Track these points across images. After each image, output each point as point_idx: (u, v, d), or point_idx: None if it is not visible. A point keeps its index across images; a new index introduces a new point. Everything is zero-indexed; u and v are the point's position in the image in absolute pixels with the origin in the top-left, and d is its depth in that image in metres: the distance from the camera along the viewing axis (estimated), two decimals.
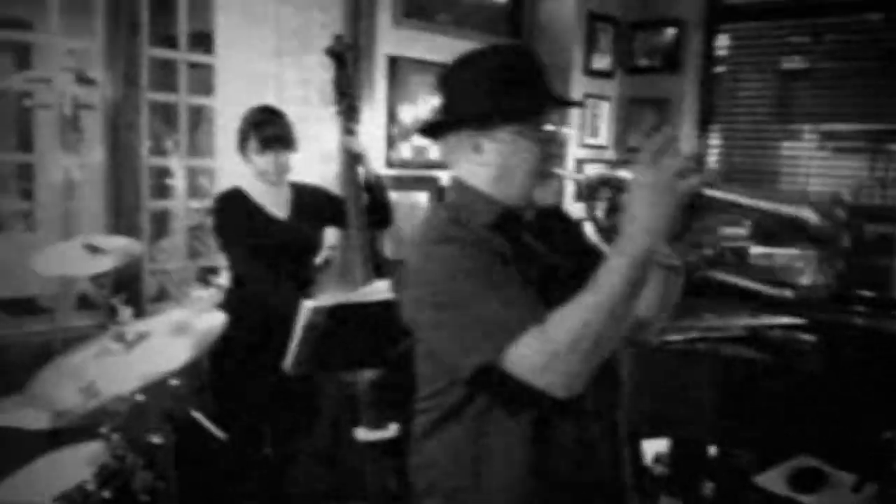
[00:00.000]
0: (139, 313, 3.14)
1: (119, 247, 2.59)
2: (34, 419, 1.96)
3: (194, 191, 3.73)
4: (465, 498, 1.42)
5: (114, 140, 3.21)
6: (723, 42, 4.73)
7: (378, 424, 2.53)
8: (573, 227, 1.56)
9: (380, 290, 2.36)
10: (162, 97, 3.54)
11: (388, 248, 3.27)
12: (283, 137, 2.73)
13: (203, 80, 3.75)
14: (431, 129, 1.53)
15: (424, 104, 4.20)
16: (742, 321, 3.27)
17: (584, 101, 4.72)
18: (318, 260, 2.92)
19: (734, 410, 2.91)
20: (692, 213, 1.24)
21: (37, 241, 3.22)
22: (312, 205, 2.82)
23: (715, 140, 4.79)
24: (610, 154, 4.99)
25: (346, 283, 2.66)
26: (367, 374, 2.58)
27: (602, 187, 1.43)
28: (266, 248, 2.66)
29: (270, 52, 3.83)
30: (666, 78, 4.80)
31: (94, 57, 3.26)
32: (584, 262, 1.36)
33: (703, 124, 4.81)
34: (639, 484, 1.61)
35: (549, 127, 1.44)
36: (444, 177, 4.30)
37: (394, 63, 4.08)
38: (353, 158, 2.74)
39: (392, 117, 4.10)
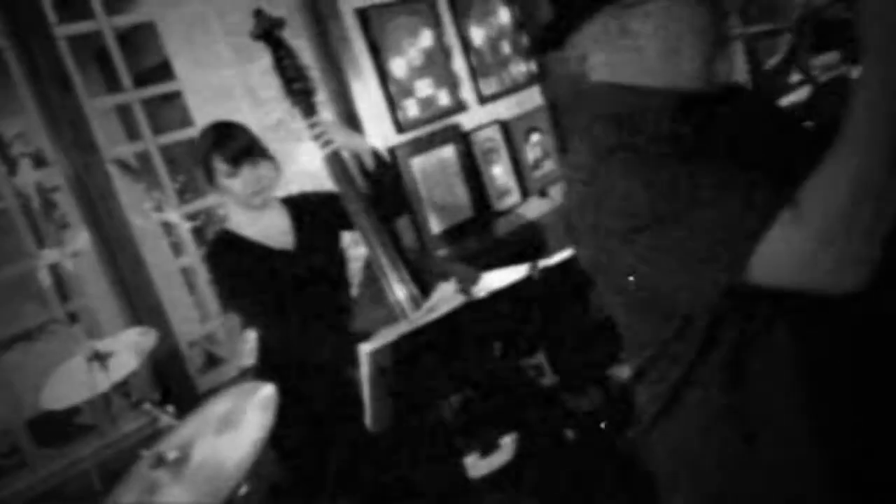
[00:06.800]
0: (188, 394, 2.75)
1: (130, 342, 2.16)
2: None
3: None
4: (736, 491, 1.10)
5: (94, 216, 2.76)
6: None
7: (489, 449, 2.07)
8: (773, 107, 1.20)
9: (446, 297, 1.86)
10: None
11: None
12: (252, 147, 2.21)
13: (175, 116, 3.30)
14: (550, 38, 1.18)
15: (415, 49, 3.65)
16: None
17: None
18: (354, 273, 2.43)
19: None
20: None
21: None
22: (317, 215, 2.32)
23: None
24: None
25: (380, 297, 2.17)
26: (452, 399, 2.09)
27: (805, 28, 1.10)
28: (280, 289, 2.17)
29: (231, 62, 3.31)
30: None
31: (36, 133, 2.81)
32: (811, 135, 1.05)
33: None
34: None
35: None
36: (465, 120, 3.78)
37: (365, 15, 3.53)
38: (335, 153, 2.22)
39: (384, 76, 3.56)
